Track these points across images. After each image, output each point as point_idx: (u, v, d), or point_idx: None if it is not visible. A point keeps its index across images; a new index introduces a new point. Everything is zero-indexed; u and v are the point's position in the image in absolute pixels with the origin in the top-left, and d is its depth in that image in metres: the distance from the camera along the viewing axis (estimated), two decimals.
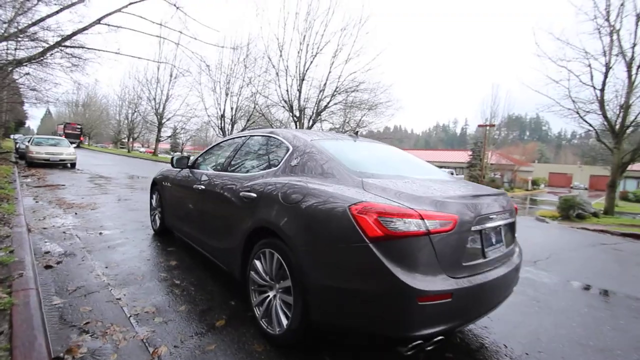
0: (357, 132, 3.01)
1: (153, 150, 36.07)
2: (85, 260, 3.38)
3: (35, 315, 2.09)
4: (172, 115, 32.17)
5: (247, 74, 20.72)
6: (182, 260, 3.58)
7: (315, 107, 18.31)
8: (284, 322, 2.01)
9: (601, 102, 12.46)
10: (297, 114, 18.19)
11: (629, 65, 11.99)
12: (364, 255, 1.65)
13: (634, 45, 11.75)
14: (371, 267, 1.63)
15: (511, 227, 2.29)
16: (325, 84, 18.04)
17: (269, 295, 2.19)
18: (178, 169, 3.90)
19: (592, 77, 12.71)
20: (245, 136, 3.16)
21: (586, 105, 12.89)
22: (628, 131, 12.47)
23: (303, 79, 17.92)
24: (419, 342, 1.65)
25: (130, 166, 19.03)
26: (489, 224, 1.96)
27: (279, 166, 2.42)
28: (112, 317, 2.33)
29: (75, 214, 5.44)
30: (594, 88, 12.72)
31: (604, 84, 12.33)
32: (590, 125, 13.29)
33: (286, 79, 18.00)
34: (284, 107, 18.58)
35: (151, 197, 4.68)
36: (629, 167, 13.57)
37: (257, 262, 2.26)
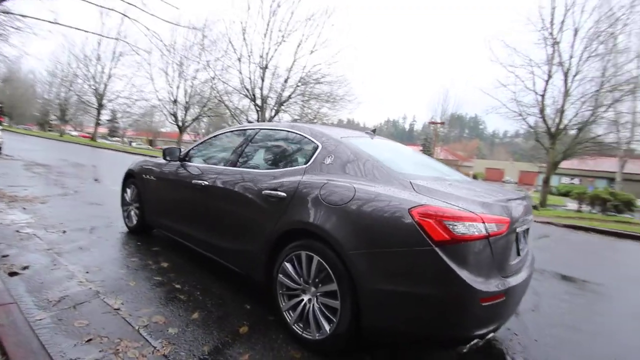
0: (375, 129, 2.95)
1: (90, 135, 32.55)
2: (58, 265, 2.92)
3: (29, 336, 1.75)
4: (115, 97, 29.22)
5: (205, 57, 19.49)
6: (173, 261, 3.26)
7: (279, 97, 17.88)
8: (326, 327, 1.92)
9: (542, 107, 13.90)
10: (260, 103, 17.61)
11: (565, 75, 13.49)
12: (429, 259, 1.62)
13: (571, 57, 13.24)
14: (437, 270, 1.61)
15: (529, 228, 2.43)
16: (289, 74, 17.67)
17: (302, 299, 2.08)
18: (164, 162, 3.54)
19: (534, 83, 14.11)
20: (254, 129, 2.93)
21: (529, 109, 14.30)
22: (562, 134, 14.09)
23: (266, 67, 17.36)
24: (477, 340, 1.68)
25: (68, 152, 16.99)
26: (523, 226, 2.05)
27: (309, 164, 2.28)
28: (117, 331, 2.04)
29: (24, 208, 4.68)
30: (536, 93, 14.13)
31: (545, 90, 13.77)
32: (531, 127, 14.78)
33: (249, 66, 17.31)
34: (245, 95, 17.86)
35: (124, 191, 4.19)
36: (566, 166, 15.38)
37: (288, 265, 2.13)
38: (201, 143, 3.42)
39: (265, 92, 17.89)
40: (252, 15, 16.91)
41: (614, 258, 6.59)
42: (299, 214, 2.06)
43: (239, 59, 17.38)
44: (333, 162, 2.18)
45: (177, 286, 2.73)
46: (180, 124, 24.00)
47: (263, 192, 2.34)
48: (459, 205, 1.69)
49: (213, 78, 19.38)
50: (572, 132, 13.94)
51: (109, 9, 11.02)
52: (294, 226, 2.08)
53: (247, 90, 17.62)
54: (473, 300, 1.59)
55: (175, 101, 21.97)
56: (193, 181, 2.98)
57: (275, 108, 18.15)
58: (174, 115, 21.78)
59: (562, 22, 13.17)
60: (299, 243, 2.08)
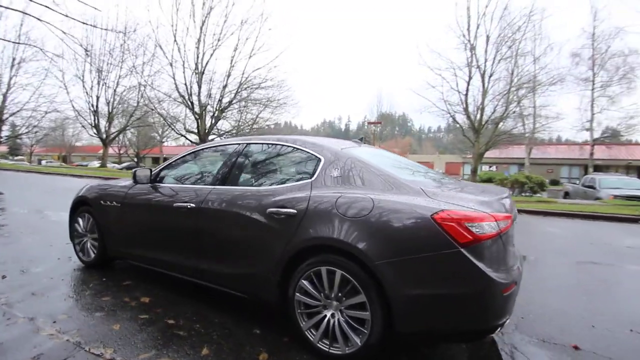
0: (362, 138, 3.02)
1: None
2: (14, 319, 2.45)
3: None
4: (18, 110, 25.11)
5: (130, 62, 17.83)
6: (153, 294, 2.95)
7: (218, 104, 17.17)
8: (356, 339, 1.93)
9: (465, 105, 15.60)
10: (198, 110, 16.72)
11: (482, 76, 15.32)
12: (456, 261, 1.73)
13: (486, 60, 15.09)
14: (464, 269, 1.73)
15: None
16: (227, 80, 17.08)
17: (324, 315, 2.05)
18: (128, 185, 3.20)
19: (457, 84, 15.76)
20: (240, 144, 2.79)
21: (455, 107, 15.94)
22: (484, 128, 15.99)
23: (203, 73, 16.54)
24: (499, 328, 1.84)
25: None
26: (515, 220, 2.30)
27: (314, 178, 2.26)
28: None
29: None
30: (459, 93, 15.81)
31: (467, 90, 15.48)
32: (458, 123, 16.50)
33: (184, 72, 16.29)
34: (181, 102, 16.79)
35: (74, 222, 3.66)
36: (489, 156, 17.41)
37: (306, 283, 2.09)
38: (173, 162, 3.15)
39: (203, 99, 17.03)
40: (182, 18, 15.92)
41: (539, 233, 7.66)
42: (316, 230, 2.04)
43: (171, 64, 16.29)
44: (341, 175, 2.20)
45: (171, 321, 2.49)
46: (103, 136, 21.58)
47: (267, 210, 2.26)
48: (471, 207, 1.83)
49: (140, 85, 17.83)
50: (491, 126, 15.89)
51: (4, 7, 9.55)
52: (312, 243, 2.05)
53: (183, 97, 16.58)
54: (497, 292, 1.74)
55: (95, 111, 19.68)
56: (175, 204, 2.74)
57: (216, 115, 17.39)
58: (96, 127, 19.47)
59: (477, 29, 14.95)
60: (317, 259, 2.05)
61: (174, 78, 16.32)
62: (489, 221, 1.79)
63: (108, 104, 19.68)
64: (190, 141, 19.67)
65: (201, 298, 2.88)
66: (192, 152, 3.09)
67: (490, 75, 15.04)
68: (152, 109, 17.34)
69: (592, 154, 22.68)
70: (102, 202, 3.35)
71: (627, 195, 11.19)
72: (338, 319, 2.01)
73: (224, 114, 18.00)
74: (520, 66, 16.10)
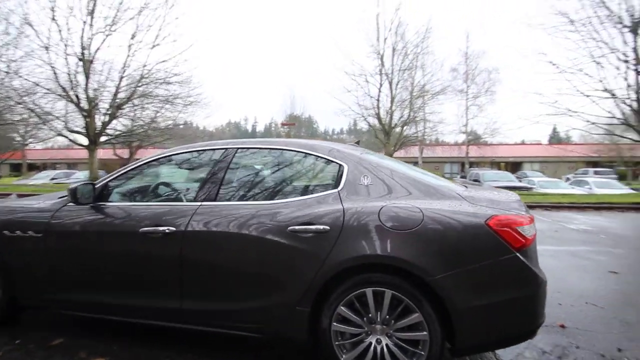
0: (358, 142, 2.84)
1: None
2: None
3: None
4: None
5: None
6: (108, 352, 2.20)
7: (113, 100, 14.62)
8: None
9: (377, 109, 16.89)
10: (87, 106, 13.92)
11: (390, 84, 16.82)
12: (513, 265, 1.73)
13: (392, 69, 16.59)
14: (521, 273, 1.74)
15: None
16: (124, 70, 14.68)
17: (370, 343, 1.83)
18: (48, 208, 2.36)
19: (369, 90, 16.96)
20: (227, 149, 2.30)
21: (369, 111, 17.12)
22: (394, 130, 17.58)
23: (92, 61, 13.84)
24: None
25: None
26: None
27: (341, 187, 1.99)
28: None
29: None
30: (371, 97, 17.04)
31: (378, 96, 16.77)
32: (371, 125, 17.77)
33: (66, 59, 13.33)
34: (63, 95, 13.70)
35: None
36: (396, 155, 19.19)
37: (345, 309, 1.83)
38: (127, 172, 2.42)
39: (92, 93, 14.21)
40: None
41: None
42: (359, 248, 1.80)
43: (47, 47, 13.12)
44: (373, 183, 1.99)
45: None
46: None
47: (289, 228, 1.90)
48: (516, 212, 1.86)
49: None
50: (399, 129, 17.60)
51: None
52: (355, 263, 1.80)
53: (65, 89, 13.54)
54: (544, 290, 1.81)
55: None
56: (142, 229, 2.10)
57: (109, 113, 14.73)
58: None
59: (385, 38, 16.34)
60: (359, 281, 1.82)
61: (51, 66, 13.16)
62: (530, 224, 1.84)
63: None
64: (74, 143, 16.25)
65: (185, 347, 2.29)
66: (155, 160, 2.42)
67: (397, 84, 16.70)
68: (18, 103, 13.61)
69: (467, 152, 27.28)
70: (8, 232, 2.37)
71: (504, 186, 13.81)
72: (386, 344, 1.81)
73: (120, 111, 15.39)
74: (413, 77, 18.28)
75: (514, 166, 35.72)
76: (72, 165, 37.03)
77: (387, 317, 1.80)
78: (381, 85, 16.72)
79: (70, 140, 16.75)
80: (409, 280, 1.76)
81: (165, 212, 2.14)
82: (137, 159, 2.39)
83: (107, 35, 13.82)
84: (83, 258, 2.25)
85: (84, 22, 13.46)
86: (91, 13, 13.65)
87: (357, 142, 2.86)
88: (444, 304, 1.73)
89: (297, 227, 1.90)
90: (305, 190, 2.10)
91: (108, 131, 15.77)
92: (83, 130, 14.49)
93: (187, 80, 16.53)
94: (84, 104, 14.07)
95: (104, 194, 2.33)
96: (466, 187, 2.23)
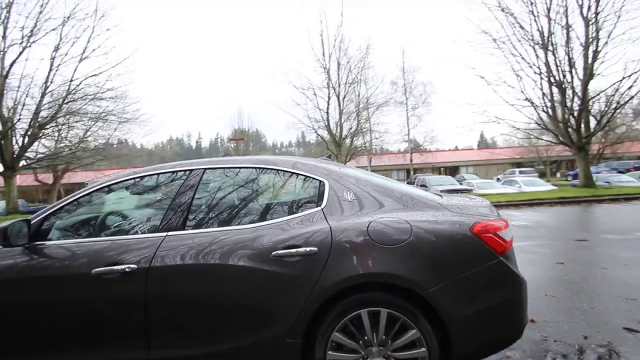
0: (330, 156, 2.76)
1: None
2: None
3: None
4: None
5: None
6: None
7: (34, 119, 12.96)
8: None
9: (327, 122, 17.20)
10: (0, 127, 12.14)
11: (337, 97, 17.28)
12: (499, 270, 1.75)
13: (339, 83, 17.10)
14: (505, 277, 1.77)
15: None
16: (46, 87, 13.14)
17: None
18: None
19: (317, 102, 17.25)
20: (191, 170, 2.06)
21: (319, 123, 17.35)
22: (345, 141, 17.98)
23: (6, 77, 12.17)
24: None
25: None
26: None
27: (324, 205, 1.89)
28: None
29: None
30: (320, 110, 17.33)
31: (327, 108, 17.11)
32: (322, 137, 18.01)
33: None
34: None
35: None
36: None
37: (340, 335, 1.71)
38: (67, 205, 2.03)
39: (6, 112, 12.44)
40: None
41: None
42: (351, 267, 1.69)
43: None
44: (356, 198, 1.92)
45: None
46: None
47: (272, 253, 1.74)
48: (493, 217, 1.91)
49: None
50: (349, 140, 18.08)
51: None
52: (349, 284, 1.69)
53: None
54: (526, 291, 1.86)
55: None
56: (95, 270, 1.78)
57: (30, 133, 13.00)
58: None
59: (330, 56, 16.84)
60: (352, 302, 1.71)
61: None
62: (506, 228, 1.90)
63: None
64: None
65: None
66: (106, 186, 2.09)
67: (344, 97, 17.24)
68: None
69: (411, 160, 28.96)
70: None
71: (448, 190, 14.84)
72: None
73: (43, 131, 13.67)
74: (359, 91, 19.10)
75: (452, 170, 38.69)
76: None
77: (384, 337, 1.71)
78: (329, 98, 17.15)
79: None
80: (404, 296, 1.70)
81: (123, 248, 1.84)
82: (69, 184, 2.02)
83: (24, 48, 12.30)
84: (20, 315, 1.83)
85: None
86: (4, 23, 12.09)
87: (329, 157, 2.80)
88: (439, 316, 1.69)
89: (281, 252, 1.74)
90: (286, 211, 1.96)
91: (28, 154, 13.91)
92: None
93: (122, 96, 15.38)
94: None
95: (41, 231, 1.94)
96: (441, 196, 2.27)
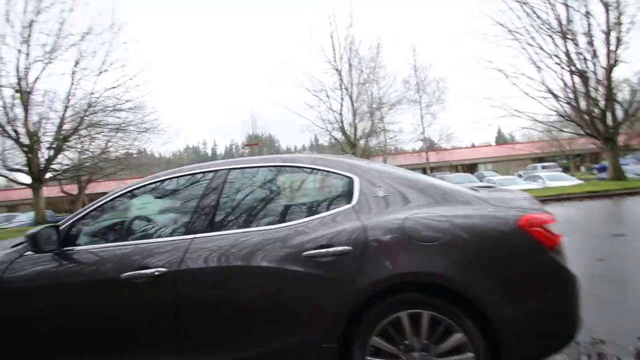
0: (354, 153, 2.67)
1: None
2: None
3: None
4: None
5: None
6: None
7: (58, 132, 13.42)
8: None
9: (341, 123, 17.11)
10: (27, 141, 12.63)
11: (350, 97, 17.18)
12: (550, 266, 1.63)
13: (352, 84, 17.01)
14: (557, 274, 1.64)
15: None
16: (69, 100, 13.60)
17: None
18: (3, 260, 1.91)
19: (330, 104, 17.18)
20: (216, 171, 2.02)
21: (332, 125, 17.28)
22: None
23: (30, 92, 12.66)
24: None
25: None
26: None
27: (355, 202, 1.80)
28: None
29: None
30: (334, 111, 17.25)
31: (341, 110, 17.02)
32: (336, 139, 17.91)
33: (0, 91, 12.06)
34: None
35: None
36: None
37: (379, 339, 1.61)
38: (92, 211, 2.02)
39: (32, 127, 12.94)
40: None
41: None
42: (386, 267, 1.60)
43: None
44: (388, 193, 1.82)
45: None
46: None
47: (304, 253, 1.66)
48: (533, 209, 1.77)
49: None
50: (363, 141, 17.93)
51: None
52: (387, 284, 1.59)
53: (0, 124, 12.19)
54: (579, 288, 1.71)
55: None
56: (124, 274, 1.74)
57: (55, 146, 13.48)
58: None
59: (341, 57, 16.77)
60: (391, 303, 1.62)
61: None
62: (554, 221, 1.76)
63: None
64: (15, 182, 14.62)
65: None
66: (130, 191, 2.07)
67: (358, 97, 17.10)
68: None
69: (427, 159, 28.45)
70: None
71: (469, 187, 14.46)
72: None
73: (66, 143, 14.13)
74: (371, 90, 18.93)
75: (470, 168, 37.86)
76: (12, 207, 33.32)
77: (427, 341, 1.61)
78: (342, 99, 17.05)
79: (10, 179, 15.05)
80: (447, 297, 1.59)
81: (151, 251, 1.80)
82: (92, 194, 2.01)
83: (46, 64, 12.79)
84: (51, 320, 1.81)
85: (19, 50, 12.36)
86: (27, 41, 12.58)
87: (353, 154, 2.71)
88: (487, 318, 1.57)
89: (313, 252, 1.66)
90: (315, 209, 1.88)
91: (54, 166, 14.40)
92: (25, 168, 13.07)
93: (140, 106, 15.74)
94: (24, 139, 12.76)
95: (70, 237, 1.93)
96: (477, 190, 2.14)
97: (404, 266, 1.60)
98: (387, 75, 20.15)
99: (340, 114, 16.90)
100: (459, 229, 1.63)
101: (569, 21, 12.73)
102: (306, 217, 1.82)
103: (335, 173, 1.92)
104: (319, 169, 1.95)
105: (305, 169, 1.98)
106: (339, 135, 17.40)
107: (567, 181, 14.24)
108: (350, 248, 1.64)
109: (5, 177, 14.59)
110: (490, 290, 1.57)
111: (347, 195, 1.85)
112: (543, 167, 27.58)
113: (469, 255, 1.60)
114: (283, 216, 1.89)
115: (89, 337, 1.78)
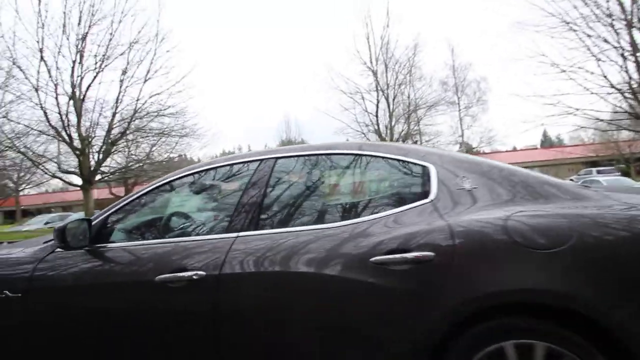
0: (416, 142, 2.32)
1: None
2: None
3: None
4: None
5: None
6: None
7: (107, 137, 14.18)
8: None
9: (377, 125, 16.63)
10: (80, 145, 13.45)
11: (387, 99, 16.66)
12: None
13: (388, 86, 16.50)
14: None
15: None
16: (117, 106, 14.34)
17: None
18: (29, 258, 1.75)
19: (366, 106, 16.78)
20: (260, 159, 1.75)
21: (368, 127, 16.84)
22: None
23: (83, 99, 13.49)
24: None
25: None
26: None
27: (434, 196, 1.44)
28: None
29: None
30: (369, 114, 16.82)
31: (377, 112, 16.57)
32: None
33: (56, 98, 12.97)
34: (54, 136, 13.25)
35: None
36: None
37: None
38: (128, 204, 1.83)
39: (84, 131, 13.78)
40: (52, 34, 12.78)
41: None
42: (486, 281, 1.23)
43: (36, 89, 12.77)
44: (477, 186, 1.44)
45: None
46: None
47: (371, 259, 1.33)
48: None
49: None
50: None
51: None
52: (485, 304, 1.22)
53: (57, 130, 13.10)
54: None
55: None
56: (159, 277, 1.51)
57: (104, 149, 14.25)
58: None
59: (377, 58, 16.36)
60: (491, 330, 1.24)
61: (41, 107, 12.75)
62: None
63: None
64: (69, 184, 15.64)
65: None
66: (168, 183, 1.86)
67: (394, 99, 16.56)
68: (9, 147, 13.11)
69: None
70: None
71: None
72: None
73: (115, 147, 14.91)
74: (408, 92, 18.24)
75: None
76: (67, 208, 36.10)
77: None
78: (378, 101, 16.57)
79: (65, 181, 16.15)
80: (571, 324, 1.18)
81: (189, 251, 1.56)
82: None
83: (97, 73, 13.56)
84: (78, 324, 1.62)
85: (74, 61, 13.22)
86: (80, 52, 13.44)
87: (415, 142, 2.34)
88: (631, 355, 1.14)
89: (383, 257, 1.33)
90: (383, 204, 1.55)
91: (103, 169, 15.24)
92: (77, 170, 13.92)
93: (182, 112, 16.25)
94: (77, 143, 13.60)
95: (102, 232, 1.75)
96: (588, 186, 1.71)
97: (509, 281, 1.22)
98: (423, 76, 19.46)
99: (376, 116, 16.46)
100: (586, 233, 1.22)
101: (637, 7, 11.37)
102: (371, 214, 1.49)
103: (406, 161, 1.58)
104: (384, 157, 1.62)
105: (367, 157, 1.66)
106: (374, 138, 16.92)
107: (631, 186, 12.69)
108: (433, 254, 1.28)
109: (61, 179, 15.66)
110: (636, 315, 1.14)
111: (423, 187, 1.49)
112: (599, 172, 25.21)
113: (601, 268, 1.20)
114: (342, 213, 1.58)
115: (115, 346, 1.56)
